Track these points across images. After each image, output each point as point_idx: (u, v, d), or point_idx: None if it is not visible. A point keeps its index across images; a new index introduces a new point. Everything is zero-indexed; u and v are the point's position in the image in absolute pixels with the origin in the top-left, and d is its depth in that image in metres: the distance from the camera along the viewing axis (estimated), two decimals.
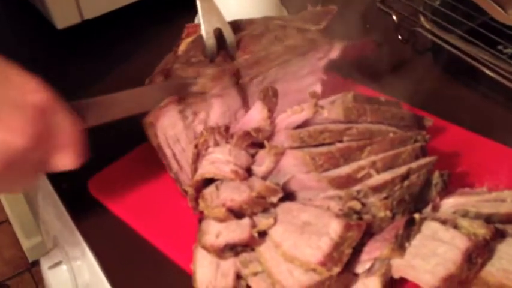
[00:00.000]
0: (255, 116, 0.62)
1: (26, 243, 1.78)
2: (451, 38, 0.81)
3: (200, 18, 0.63)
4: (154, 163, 0.67)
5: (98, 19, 0.95)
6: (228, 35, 0.64)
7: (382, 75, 0.76)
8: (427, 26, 0.85)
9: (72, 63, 0.93)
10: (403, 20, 0.88)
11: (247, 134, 0.60)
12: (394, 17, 0.88)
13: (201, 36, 0.64)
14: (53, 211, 0.76)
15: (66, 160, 0.52)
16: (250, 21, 0.68)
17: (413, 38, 0.88)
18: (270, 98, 0.61)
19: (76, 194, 0.69)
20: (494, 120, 0.75)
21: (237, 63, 0.64)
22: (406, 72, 0.79)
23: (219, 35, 0.64)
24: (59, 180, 0.71)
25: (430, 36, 0.84)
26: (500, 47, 0.79)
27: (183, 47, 0.65)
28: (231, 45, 0.64)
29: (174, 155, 0.63)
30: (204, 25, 0.63)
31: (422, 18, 0.86)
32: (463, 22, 0.81)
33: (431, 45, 0.87)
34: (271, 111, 0.61)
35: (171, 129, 0.62)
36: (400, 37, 0.88)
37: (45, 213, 0.85)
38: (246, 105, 0.66)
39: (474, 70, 0.77)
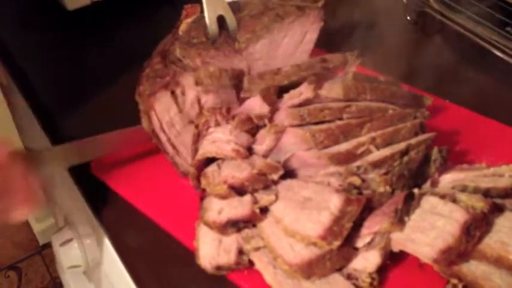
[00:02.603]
0: (255, 107, 0.62)
1: (36, 226, 1.79)
2: (460, 18, 0.81)
3: (204, 5, 0.63)
4: (154, 145, 0.68)
5: (107, 1, 0.96)
6: (231, 21, 0.64)
7: (390, 56, 0.76)
8: (436, 7, 0.85)
9: (81, 43, 0.94)
10: (411, 1, 0.88)
11: (249, 119, 0.60)
12: None
13: (200, 17, 0.64)
14: (65, 190, 0.77)
15: (22, 212, 0.54)
16: (249, 1, 0.68)
17: (422, 19, 0.88)
18: (271, 97, 0.62)
19: (88, 173, 0.69)
20: (503, 101, 0.75)
21: (238, 46, 0.64)
22: (415, 53, 0.80)
23: (220, 19, 0.64)
24: None
25: (438, 17, 0.84)
26: (509, 28, 0.79)
27: (183, 27, 0.65)
28: (233, 30, 0.65)
29: (168, 139, 0.64)
30: (208, 12, 0.63)
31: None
32: (472, 3, 0.81)
33: (440, 26, 0.87)
34: (271, 105, 0.61)
35: (165, 114, 0.62)
36: (408, 18, 0.89)
37: (57, 193, 0.87)
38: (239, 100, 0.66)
39: (483, 51, 0.77)
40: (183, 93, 0.61)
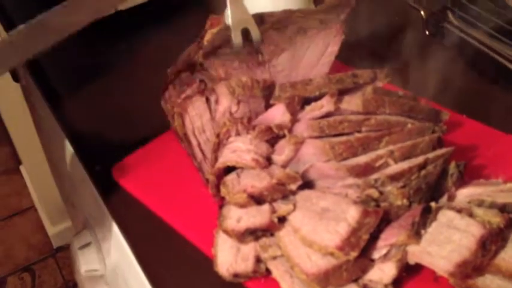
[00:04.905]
0: (277, 115, 0.63)
1: (51, 230, 1.82)
2: (478, 33, 0.82)
3: (229, 18, 0.64)
4: (175, 151, 0.70)
5: (130, 9, 0.98)
6: (255, 34, 0.65)
7: (409, 70, 0.77)
8: (455, 21, 0.86)
9: (103, 50, 0.96)
10: (431, 15, 0.89)
11: (268, 129, 0.61)
12: (422, 13, 0.90)
13: (225, 28, 0.66)
14: (85, 193, 0.78)
15: None
16: (271, 14, 0.69)
17: (441, 33, 0.89)
18: (294, 106, 0.63)
19: (108, 176, 0.71)
20: None
21: (262, 59, 0.65)
22: (433, 67, 0.80)
23: (244, 31, 0.66)
24: (92, 163, 0.74)
25: (457, 31, 0.85)
26: None
27: (208, 37, 0.67)
28: (257, 42, 0.66)
29: (199, 144, 0.65)
30: (233, 25, 0.64)
31: (450, 14, 0.87)
32: (490, 19, 0.82)
33: (458, 41, 0.87)
34: (293, 115, 0.62)
35: (198, 120, 0.64)
36: (427, 32, 0.90)
37: (76, 196, 0.88)
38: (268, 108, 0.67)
39: (500, 66, 0.78)
40: (216, 102, 0.63)
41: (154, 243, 0.64)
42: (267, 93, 0.64)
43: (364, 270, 0.54)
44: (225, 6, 0.64)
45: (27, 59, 0.56)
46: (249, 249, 0.57)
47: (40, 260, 1.80)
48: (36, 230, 1.87)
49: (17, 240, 1.86)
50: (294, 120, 0.62)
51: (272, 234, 0.57)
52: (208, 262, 0.59)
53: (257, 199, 0.57)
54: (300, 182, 0.58)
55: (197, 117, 0.63)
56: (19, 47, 0.55)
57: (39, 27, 0.55)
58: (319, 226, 0.53)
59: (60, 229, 1.80)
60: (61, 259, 1.80)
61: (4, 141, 1.91)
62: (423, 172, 0.57)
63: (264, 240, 0.57)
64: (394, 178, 0.56)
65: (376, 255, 0.54)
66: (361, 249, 0.52)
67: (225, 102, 0.63)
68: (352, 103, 0.62)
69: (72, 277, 1.68)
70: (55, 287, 1.75)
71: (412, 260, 0.54)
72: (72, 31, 0.57)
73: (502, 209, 0.55)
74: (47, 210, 1.79)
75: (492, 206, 0.55)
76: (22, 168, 2.01)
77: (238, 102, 0.63)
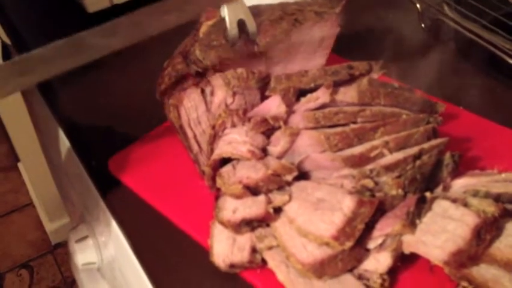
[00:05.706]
0: (272, 107, 0.64)
1: (49, 226, 1.83)
2: (474, 27, 0.82)
3: (225, 9, 0.65)
4: (171, 143, 0.70)
5: (127, 4, 0.98)
6: (251, 25, 0.65)
7: (404, 63, 0.77)
8: (450, 15, 0.86)
9: None
10: (426, 8, 0.89)
11: (264, 120, 0.62)
12: (418, 6, 0.90)
13: (221, 21, 0.66)
14: (81, 187, 0.78)
15: None
16: (268, 6, 0.69)
17: (436, 26, 0.89)
18: (290, 98, 0.63)
19: (105, 169, 0.71)
20: None
21: (258, 50, 0.65)
22: (428, 60, 0.81)
23: (240, 22, 0.66)
24: (88, 157, 0.74)
25: (453, 25, 0.85)
26: None
27: (204, 29, 0.67)
28: (253, 34, 0.66)
29: (194, 136, 0.65)
30: (229, 16, 0.64)
31: (445, 7, 0.87)
32: (486, 12, 0.82)
33: (454, 34, 0.87)
34: (289, 107, 0.63)
35: (193, 111, 0.64)
36: (423, 25, 0.90)
37: (73, 190, 0.88)
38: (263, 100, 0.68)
39: (496, 59, 0.78)
40: (212, 93, 0.63)
41: (151, 235, 0.64)
42: (263, 85, 0.65)
43: (360, 260, 0.54)
44: None
45: (56, 74, 0.56)
46: (245, 239, 0.58)
47: (38, 257, 1.81)
48: (34, 226, 1.88)
49: (15, 237, 1.87)
50: (290, 111, 0.62)
51: (268, 225, 0.57)
52: (204, 253, 0.59)
53: (253, 190, 0.58)
54: (295, 173, 0.58)
55: (193, 109, 0.63)
56: (51, 61, 0.56)
57: (74, 45, 0.58)
58: (315, 216, 0.54)
59: (58, 226, 1.80)
60: (59, 255, 1.81)
61: (2, 139, 1.91)
62: (418, 162, 0.57)
63: (260, 231, 0.57)
64: (389, 168, 0.57)
65: (372, 245, 0.54)
66: (356, 239, 0.52)
67: (220, 94, 0.63)
68: (348, 95, 0.62)
69: (70, 273, 1.68)
70: (53, 283, 1.75)
71: (407, 250, 0.54)
72: (106, 53, 0.60)
73: (497, 198, 0.55)
74: (45, 206, 1.80)
75: (487, 196, 0.56)
76: (20, 165, 2.01)
77: (234, 94, 0.64)
